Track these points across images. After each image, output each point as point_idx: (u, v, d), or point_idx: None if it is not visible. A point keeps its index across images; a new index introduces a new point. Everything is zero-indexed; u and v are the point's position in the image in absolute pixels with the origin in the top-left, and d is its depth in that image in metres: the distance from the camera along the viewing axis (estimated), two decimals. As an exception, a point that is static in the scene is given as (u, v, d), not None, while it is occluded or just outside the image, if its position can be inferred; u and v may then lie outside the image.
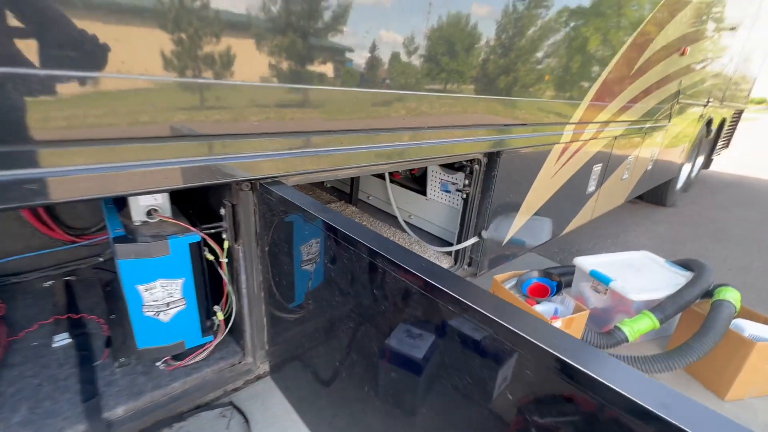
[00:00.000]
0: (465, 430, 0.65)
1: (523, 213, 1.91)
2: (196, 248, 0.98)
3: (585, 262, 2.25)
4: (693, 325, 1.89)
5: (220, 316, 1.07)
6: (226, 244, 1.04)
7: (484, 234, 1.68)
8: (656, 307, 1.91)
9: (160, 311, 0.96)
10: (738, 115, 5.85)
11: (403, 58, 1.11)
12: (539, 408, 0.53)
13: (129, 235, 0.92)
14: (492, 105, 1.45)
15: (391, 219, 2.27)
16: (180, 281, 0.97)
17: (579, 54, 1.74)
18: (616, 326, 1.88)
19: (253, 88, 0.85)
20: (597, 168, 2.39)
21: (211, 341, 1.09)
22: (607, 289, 2.14)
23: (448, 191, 1.95)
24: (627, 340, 1.84)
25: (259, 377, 1.23)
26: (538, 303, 2.06)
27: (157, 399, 0.99)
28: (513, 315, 0.53)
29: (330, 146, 1.03)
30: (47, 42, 0.61)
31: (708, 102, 3.95)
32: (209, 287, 1.06)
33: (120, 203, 1.07)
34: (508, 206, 1.79)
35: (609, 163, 2.51)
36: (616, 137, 2.44)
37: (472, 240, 1.70)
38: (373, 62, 1.05)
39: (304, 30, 0.89)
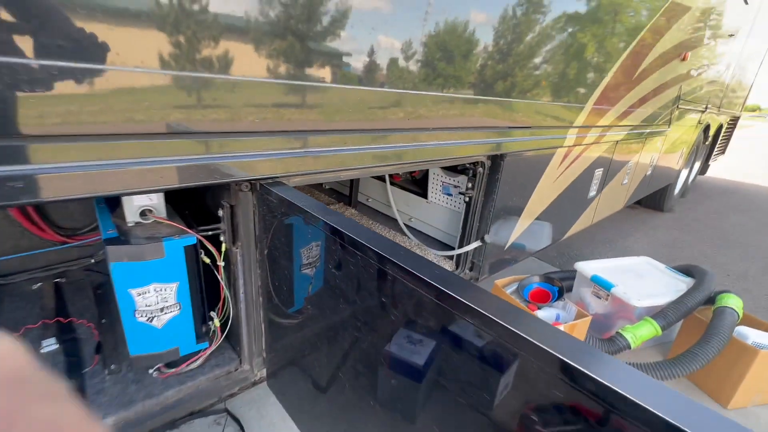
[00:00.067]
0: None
1: (526, 217, 1.89)
2: (192, 251, 0.94)
3: (586, 267, 2.23)
4: (695, 332, 1.87)
5: (217, 322, 1.03)
6: (223, 247, 0.99)
7: (487, 238, 1.65)
8: (658, 314, 1.89)
9: (154, 317, 0.92)
10: (734, 121, 5.90)
11: (412, 57, 1.08)
12: (555, 417, 0.50)
13: (122, 237, 0.88)
14: (497, 107, 1.43)
15: (390, 222, 2.24)
16: (175, 285, 0.92)
17: (583, 57, 1.72)
18: (618, 332, 1.85)
19: (254, 84, 0.82)
20: (598, 172, 2.37)
21: (207, 348, 1.05)
22: (608, 295, 2.12)
23: (449, 194, 1.92)
24: (629, 347, 1.82)
25: (255, 383, 1.19)
26: (539, 308, 2.03)
27: (149, 408, 0.95)
28: (524, 321, 0.50)
29: (333, 146, 0.99)
30: (35, 30, 0.57)
31: (706, 108, 3.97)
32: (205, 292, 1.02)
33: (113, 203, 1.03)
34: (510, 210, 1.76)
35: (610, 167, 2.50)
36: (617, 142, 2.43)
37: (475, 244, 1.67)
38: (379, 60, 1.02)
39: (307, 25, 0.86)
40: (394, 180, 2.25)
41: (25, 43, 0.56)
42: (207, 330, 1.06)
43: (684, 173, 4.64)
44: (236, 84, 0.79)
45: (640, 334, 1.84)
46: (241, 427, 1.41)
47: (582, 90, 1.82)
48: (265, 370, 1.17)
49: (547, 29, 1.45)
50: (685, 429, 0.36)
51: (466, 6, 1.16)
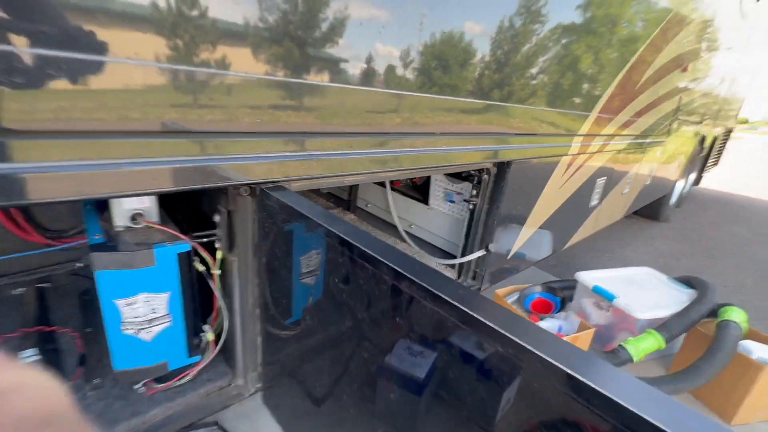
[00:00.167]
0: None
1: (529, 226, 1.85)
2: (186, 258, 0.88)
3: (587, 277, 2.19)
4: (698, 345, 1.84)
5: (210, 336, 0.97)
6: (219, 255, 0.93)
7: (491, 247, 1.61)
8: (661, 326, 1.85)
9: (142, 329, 0.85)
10: (728, 133, 5.97)
11: (423, 60, 1.03)
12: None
13: (109, 243, 0.82)
14: (506, 114, 1.39)
15: (390, 228, 2.18)
16: (165, 295, 0.86)
17: (590, 66, 1.70)
18: (620, 345, 1.81)
19: (256, 82, 0.77)
20: (601, 181, 2.35)
21: (199, 362, 0.98)
22: (610, 306, 2.08)
23: (452, 201, 1.88)
24: (632, 360, 1.78)
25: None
26: (541, 319, 1.99)
27: (135, 427, 0.88)
28: (536, 335, 0.47)
29: (339, 149, 0.94)
30: (17, 14, 0.51)
31: (702, 120, 4.00)
32: (198, 302, 0.96)
33: (102, 205, 0.96)
34: (515, 218, 1.72)
35: (612, 176, 2.48)
36: (619, 151, 2.42)
37: (479, 253, 1.63)
38: (389, 61, 0.97)
39: (312, 20, 0.81)
40: (395, 185, 2.20)
41: (5, 29, 0.51)
42: (199, 342, 0.99)
43: (680, 184, 4.67)
44: (237, 81, 0.74)
45: (642, 347, 1.80)
46: (233, 443, 1.34)
47: (588, 98, 1.80)
48: (260, 385, 1.10)
49: (556, 39, 1.43)
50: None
51: (480, 12, 1.12)
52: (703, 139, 4.55)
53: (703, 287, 2.07)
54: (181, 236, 0.87)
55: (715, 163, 6.24)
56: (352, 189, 2.27)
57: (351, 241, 0.67)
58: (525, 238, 1.88)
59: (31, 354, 1.03)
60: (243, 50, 0.73)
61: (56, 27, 0.54)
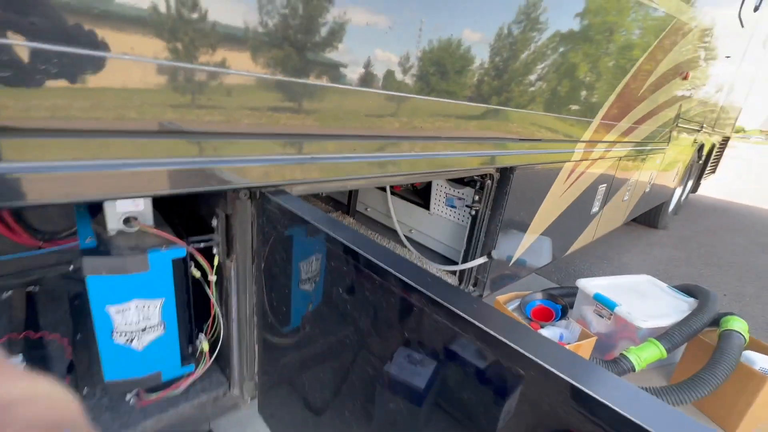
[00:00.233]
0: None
1: (532, 232, 1.83)
2: (181, 264, 0.84)
3: (588, 285, 2.17)
4: (699, 355, 1.82)
5: (206, 346, 0.93)
6: (216, 260, 0.90)
7: (493, 254, 1.58)
8: (663, 336, 1.83)
9: (134, 337, 0.81)
10: (725, 141, 6.00)
11: (430, 62, 1.01)
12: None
13: (101, 247, 0.78)
14: (511, 119, 1.37)
15: (390, 233, 2.15)
16: (159, 302, 0.82)
17: (595, 73, 1.68)
18: (622, 354, 1.79)
19: (258, 81, 0.74)
20: (602, 188, 2.34)
21: (193, 371, 0.94)
22: (611, 314, 2.06)
23: (453, 206, 1.85)
24: (633, 369, 1.76)
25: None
26: (542, 327, 1.96)
27: (125, 440, 0.84)
28: (541, 345, 0.46)
29: (342, 153, 0.91)
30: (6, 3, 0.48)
31: (701, 128, 4.01)
32: (193, 309, 0.92)
33: (94, 207, 0.93)
34: (517, 225, 1.70)
35: (613, 183, 2.47)
36: (620, 158, 2.41)
37: (481, 260, 1.60)
38: (396, 62, 0.95)
39: (319, 18, 0.78)
40: (395, 189, 2.18)
41: (-8, 20, 0.48)
42: (194, 351, 0.95)
43: (678, 191, 4.68)
44: (239, 80, 0.71)
45: (644, 356, 1.77)
46: (227, 454, 1.30)
47: (591, 105, 1.79)
48: (256, 395, 1.06)
49: (564, 48, 1.41)
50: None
51: (485, 18, 1.10)
52: (701, 147, 4.56)
53: (704, 296, 2.06)
54: (177, 241, 0.83)
55: (713, 171, 6.28)
56: (352, 192, 2.25)
57: (355, 248, 0.64)
58: (527, 244, 1.85)
59: (18, 361, 0.99)
60: (244, 49, 0.70)
61: (45, 18, 0.51)
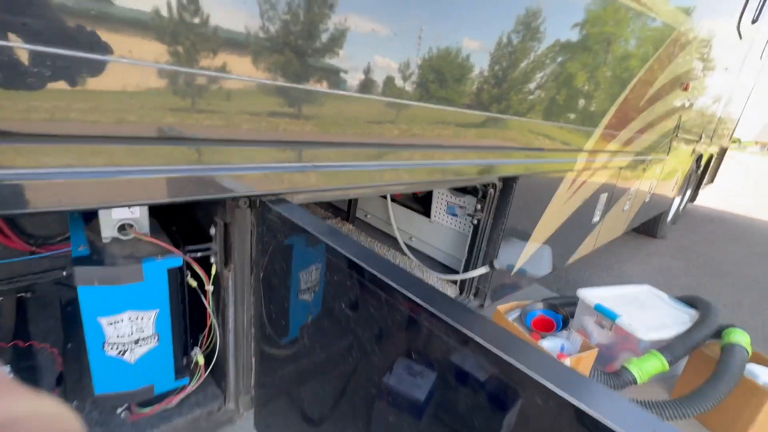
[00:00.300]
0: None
1: (533, 242, 1.81)
2: (177, 274, 0.82)
3: (589, 295, 2.15)
4: (701, 367, 1.80)
5: (201, 359, 0.90)
6: (213, 270, 0.87)
7: (495, 263, 1.56)
8: (665, 348, 1.81)
9: (126, 350, 0.78)
10: (723, 152, 6.04)
11: (437, 68, 1.00)
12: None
13: (94, 256, 0.75)
14: (515, 128, 1.36)
15: (390, 240, 2.13)
16: (153, 313, 0.80)
17: (597, 82, 1.68)
18: (623, 366, 1.77)
19: (259, 87, 0.72)
20: (603, 197, 2.33)
21: (187, 385, 0.91)
22: (612, 325, 2.04)
23: (454, 215, 1.83)
24: (635, 382, 1.73)
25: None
26: (543, 338, 1.93)
27: (114, 457, 0.81)
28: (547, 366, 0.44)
29: (345, 161, 0.89)
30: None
31: (700, 138, 4.03)
32: (188, 320, 0.89)
33: (88, 213, 0.90)
34: (519, 234, 1.68)
35: (614, 193, 2.46)
36: (621, 168, 2.40)
37: (483, 269, 1.58)
38: (401, 68, 0.93)
39: (322, 24, 0.77)
40: (395, 197, 2.16)
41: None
42: (188, 363, 0.92)
43: (677, 201, 4.69)
44: (239, 85, 0.69)
45: (646, 369, 1.75)
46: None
47: (594, 114, 1.78)
48: (252, 409, 1.03)
49: (569, 58, 1.41)
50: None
51: (493, 26, 1.09)
52: (699, 157, 4.58)
53: (705, 308, 2.04)
54: (173, 249, 0.81)
55: (711, 181, 6.31)
56: (352, 199, 2.23)
57: (356, 260, 0.62)
58: (528, 254, 1.83)
59: (5, 371, 0.95)
60: (244, 53, 0.68)
61: (38, 18, 0.49)
